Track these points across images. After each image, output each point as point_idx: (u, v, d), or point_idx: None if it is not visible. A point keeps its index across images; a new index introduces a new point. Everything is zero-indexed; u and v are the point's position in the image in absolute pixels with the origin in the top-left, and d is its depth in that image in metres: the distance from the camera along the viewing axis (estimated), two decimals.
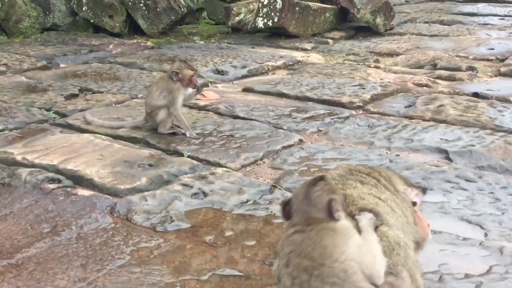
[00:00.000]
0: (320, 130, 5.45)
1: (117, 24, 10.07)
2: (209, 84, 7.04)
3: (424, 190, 2.82)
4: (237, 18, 10.39)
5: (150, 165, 4.55)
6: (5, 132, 5.35)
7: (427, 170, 4.45)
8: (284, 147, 5.02)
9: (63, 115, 5.86)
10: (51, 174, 4.35)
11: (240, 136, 5.21)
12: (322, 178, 2.41)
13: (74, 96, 6.58)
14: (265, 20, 9.77)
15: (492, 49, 8.45)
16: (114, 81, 7.12)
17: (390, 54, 8.62)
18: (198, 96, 6.20)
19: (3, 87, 6.82)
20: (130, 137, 5.22)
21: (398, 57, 8.37)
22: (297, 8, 9.77)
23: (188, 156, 4.80)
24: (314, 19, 10.03)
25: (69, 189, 4.15)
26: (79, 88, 6.82)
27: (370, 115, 5.84)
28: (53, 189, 4.13)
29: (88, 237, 3.59)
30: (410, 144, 5.01)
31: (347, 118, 5.72)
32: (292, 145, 5.08)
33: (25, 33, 10.11)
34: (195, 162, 4.63)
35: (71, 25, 10.53)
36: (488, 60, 8.10)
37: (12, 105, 6.08)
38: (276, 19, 9.68)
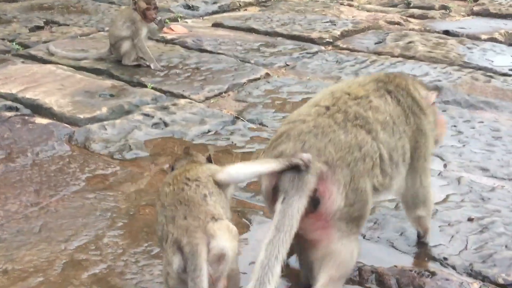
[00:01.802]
0: (288, 65, 5.37)
1: None
2: (179, 19, 6.90)
3: (438, 89, 2.80)
4: None
5: (112, 96, 4.47)
6: None
7: None
8: (250, 81, 4.95)
9: (26, 46, 5.72)
10: (9, 103, 4.26)
11: (206, 69, 5.13)
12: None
13: (39, 28, 6.42)
14: None
15: None
16: (81, 14, 6.95)
17: None
18: (165, 30, 6.09)
19: None
20: (93, 68, 5.11)
21: None
22: None
23: (152, 88, 4.72)
24: None
25: (27, 117, 4.07)
26: (44, 20, 6.65)
27: (339, 51, 5.77)
28: (10, 117, 4.04)
29: (44, 164, 3.53)
30: None
31: (315, 53, 5.65)
32: (258, 78, 5.01)
33: None
34: (158, 93, 4.56)
35: None
36: None
37: None
38: None
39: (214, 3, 7.61)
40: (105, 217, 3.04)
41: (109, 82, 4.71)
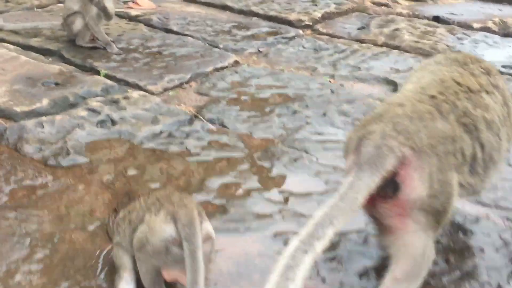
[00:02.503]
0: (260, 51, 4.89)
1: None
2: None
3: None
4: None
5: (57, 84, 3.98)
6: None
7: (370, 105, 3.96)
8: (216, 69, 4.47)
9: None
10: None
11: (169, 54, 4.64)
12: None
13: None
14: None
15: None
16: None
17: None
18: (131, 4, 5.57)
19: None
20: (43, 48, 4.61)
21: None
22: None
23: (105, 75, 4.23)
24: None
25: None
26: None
27: (318, 36, 5.29)
28: None
29: None
30: (357, 73, 4.49)
31: (292, 38, 5.16)
32: (226, 67, 4.53)
33: None
34: (109, 82, 4.07)
35: None
36: None
37: None
38: None
39: None
40: (23, 244, 2.58)
41: (56, 67, 4.21)
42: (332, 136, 3.54)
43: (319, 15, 5.67)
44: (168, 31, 5.15)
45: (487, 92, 2.34)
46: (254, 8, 5.77)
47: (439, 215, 2.10)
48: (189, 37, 5.00)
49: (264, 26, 5.37)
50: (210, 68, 4.45)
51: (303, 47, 4.97)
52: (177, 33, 5.10)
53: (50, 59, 4.46)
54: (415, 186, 2.03)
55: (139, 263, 2.19)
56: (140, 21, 5.32)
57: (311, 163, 3.26)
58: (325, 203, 1.96)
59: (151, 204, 2.20)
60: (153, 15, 5.41)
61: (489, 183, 2.38)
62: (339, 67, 4.58)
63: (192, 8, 5.81)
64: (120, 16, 5.40)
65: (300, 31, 5.34)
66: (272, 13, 5.67)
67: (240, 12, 5.76)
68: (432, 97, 2.22)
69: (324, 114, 3.80)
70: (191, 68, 4.41)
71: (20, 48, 4.55)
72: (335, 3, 6.02)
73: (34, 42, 4.68)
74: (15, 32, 4.81)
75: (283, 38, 5.14)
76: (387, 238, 2.14)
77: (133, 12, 5.46)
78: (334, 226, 1.89)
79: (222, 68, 4.50)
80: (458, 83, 2.31)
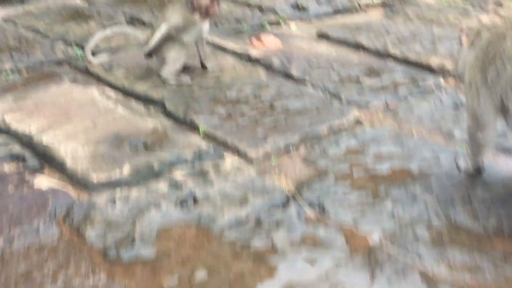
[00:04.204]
0: (388, 106, 4.20)
1: None
2: (281, 22, 5.87)
3: None
4: None
5: (145, 146, 3.56)
6: (9, 73, 4.51)
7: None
8: (332, 129, 3.86)
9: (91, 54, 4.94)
10: (18, 148, 3.47)
11: (281, 106, 4.09)
12: None
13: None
14: None
15: None
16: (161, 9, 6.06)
17: None
18: (254, 43, 5.08)
19: (46, 11, 5.99)
20: (146, 96, 4.23)
21: None
22: None
23: (204, 133, 3.76)
24: None
25: (27, 176, 3.25)
26: (130, 17, 5.85)
27: (462, 87, 4.48)
28: (8, 174, 3.24)
29: (12, 259, 2.69)
30: (505, 142, 3.68)
31: (429, 90, 4.42)
32: (344, 126, 3.89)
33: None
34: (204, 145, 3.58)
35: None
36: None
37: (38, 36, 5.22)
38: None
39: (328, 2, 6.47)
40: None
41: (151, 124, 3.80)
42: None
43: None
44: (287, 76, 4.60)
45: None
46: (392, 49, 5.07)
47: None
48: (308, 86, 4.42)
49: (399, 72, 4.66)
50: (324, 128, 3.85)
51: (441, 102, 4.22)
52: (296, 80, 4.53)
53: (150, 110, 4.06)
54: None
55: None
56: (260, 63, 4.81)
57: (427, 280, 2.56)
58: None
59: None
60: (275, 56, 4.89)
61: None
62: None
63: (322, 47, 5.22)
64: (239, 56, 4.93)
65: (441, 81, 4.57)
66: (411, 55, 4.94)
67: (375, 52, 5.09)
68: None
69: (453, 204, 3.07)
70: (303, 127, 3.83)
71: (122, 95, 4.20)
72: None
73: (139, 87, 4.32)
74: (125, 72, 4.48)
75: (418, 88, 4.41)
76: None
77: (254, 52, 4.96)
78: None
79: (339, 128, 3.87)
80: None
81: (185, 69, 4.49)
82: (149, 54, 4.32)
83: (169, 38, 4.25)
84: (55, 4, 6.26)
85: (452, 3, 6.82)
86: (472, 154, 3.30)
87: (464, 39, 3.26)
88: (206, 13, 4.20)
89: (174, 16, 4.25)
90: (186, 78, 4.32)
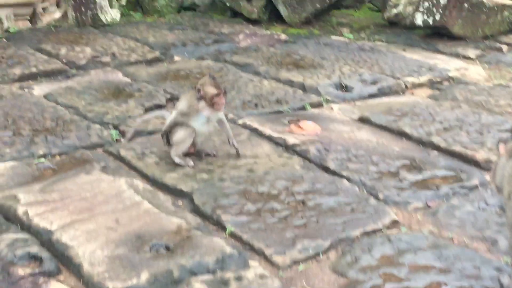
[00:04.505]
0: (429, 207, 3.97)
1: (255, 9, 8.92)
2: (324, 103, 5.73)
3: None
4: (394, 11, 8.74)
5: (168, 248, 3.41)
6: (42, 159, 4.46)
7: None
8: (366, 233, 3.65)
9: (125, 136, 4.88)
10: (35, 249, 3.35)
11: (314, 205, 3.90)
12: None
13: (159, 108, 5.54)
14: (425, 17, 8.10)
15: None
16: None
17: None
18: (292, 128, 4.94)
19: (88, 87, 5.99)
20: (176, 188, 4.10)
21: None
22: (465, 5, 7.98)
23: (230, 234, 3.60)
24: (488, 19, 8.17)
25: (41, 279, 3.13)
26: (170, 96, 5.80)
27: None
28: (22, 277, 3.12)
29: None
30: None
31: (473, 188, 4.17)
32: (379, 230, 3.68)
33: (160, 12, 9.40)
34: (229, 249, 3.40)
35: (210, 7, 9.58)
36: None
37: (76, 117, 5.19)
38: (438, 17, 7.98)
39: (374, 82, 6.30)
40: None
41: (176, 222, 3.65)
42: None
43: None
44: (324, 168, 4.42)
45: None
46: (436, 138, 4.85)
47: None
48: (344, 180, 4.22)
49: (442, 167, 4.42)
50: (358, 232, 3.64)
51: (486, 204, 3.96)
52: (332, 172, 4.35)
53: (179, 204, 3.93)
54: None
55: None
56: (296, 152, 4.65)
57: None
58: None
59: None
60: (313, 145, 4.72)
61: None
62: None
63: (363, 133, 5.03)
64: (276, 143, 4.79)
65: (487, 177, 4.31)
66: (457, 147, 4.70)
67: (418, 141, 4.87)
68: None
69: None
70: (334, 230, 3.63)
71: (150, 186, 4.09)
72: None
73: (169, 178, 4.20)
74: (158, 159, 4.39)
75: (461, 187, 4.17)
76: None
77: (291, 140, 4.80)
78: None
79: (374, 232, 3.66)
80: None
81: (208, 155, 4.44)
82: (165, 138, 4.40)
83: (178, 123, 4.34)
84: (98, 79, 6.27)
85: (502, 80, 6.57)
86: None
87: (502, 148, 3.04)
88: (211, 103, 4.23)
89: (182, 103, 4.38)
90: (189, 161, 4.34)
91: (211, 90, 4.25)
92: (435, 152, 4.69)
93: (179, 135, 4.34)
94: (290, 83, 6.25)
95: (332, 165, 4.43)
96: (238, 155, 4.45)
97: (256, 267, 3.29)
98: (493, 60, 7.36)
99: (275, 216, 3.77)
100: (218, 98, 4.26)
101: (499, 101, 5.79)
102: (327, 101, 5.85)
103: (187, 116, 4.32)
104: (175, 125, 4.36)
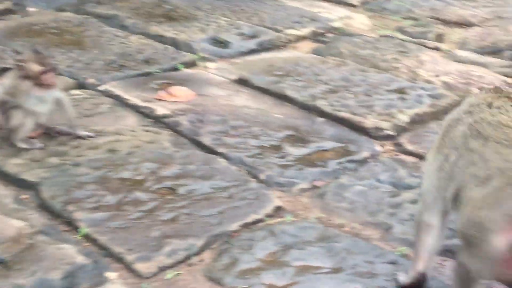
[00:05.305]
0: (316, 187, 3.51)
1: None
2: (197, 62, 5.13)
3: None
4: None
5: (2, 263, 2.76)
6: None
7: None
8: (246, 226, 3.14)
9: None
10: None
11: (185, 193, 3.35)
12: None
13: (6, 71, 4.73)
14: None
15: None
16: (72, 49, 5.25)
17: (460, 24, 6.38)
18: (162, 94, 4.33)
19: None
20: (19, 178, 3.44)
21: (469, 31, 6.15)
22: None
23: (84, 236, 2.99)
24: None
25: None
26: (16, 54, 4.98)
27: (401, 157, 3.84)
28: None
29: None
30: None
31: (363, 162, 3.75)
32: (261, 220, 3.19)
33: None
34: (80, 259, 2.80)
35: None
36: None
37: None
38: None
39: (254, 36, 5.74)
40: None
41: (16, 226, 3.00)
42: None
43: (407, 118, 4.20)
44: (197, 144, 3.86)
45: None
46: (321, 102, 4.39)
47: None
48: (221, 159, 3.69)
49: (328, 138, 3.98)
50: (236, 224, 3.14)
51: (377, 182, 3.55)
52: (207, 149, 3.80)
53: (22, 199, 3.26)
54: None
55: None
56: (166, 125, 4.06)
57: None
58: None
59: None
60: (185, 115, 4.14)
61: None
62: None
63: (242, 99, 4.49)
64: (143, 114, 4.17)
65: (378, 147, 3.91)
66: (343, 113, 4.26)
67: (303, 106, 4.40)
68: None
69: None
70: (209, 224, 3.11)
71: None
72: (430, 96, 4.52)
73: (11, 165, 3.52)
74: None
75: (351, 162, 3.73)
76: None
77: (161, 110, 4.20)
78: None
79: (255, 223, 3.17)
80: None
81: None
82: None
83: (8, 104, 3.66)
84: None
85: (387, 30, 6.19)
86: (415, 254, 2.65)
87: None
88: (38, 82, 3.58)
89: (5, 82, 3.73)
90: (35, 143, 3.70)
91: (35, 68, 3.58)
92: (321, 119, 4.22)
93: (15, 119, 3.65)
94: (161, 38, 5.59)
95: (207, 141, 3.87)
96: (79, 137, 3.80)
97: (114, 281, 2.72)
98: (377, 7, 6.97)
99: (139, 210, 3.20)
100: (46, 76, 3.58)
101: (386, 55, 5.39)
102: (203, 59, 5.25)
103: (16, 97, 3.62)
104: (3, 105, 3.64)
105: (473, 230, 2.19)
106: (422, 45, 5.72)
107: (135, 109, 4.24)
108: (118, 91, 4.46)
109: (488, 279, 2.38)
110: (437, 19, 6.54)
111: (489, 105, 2.39)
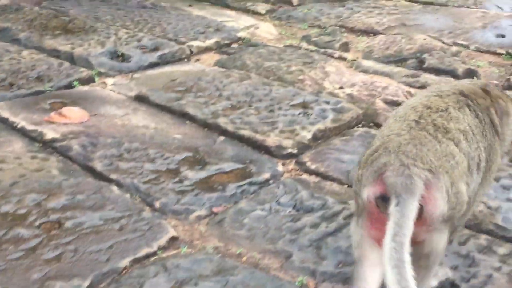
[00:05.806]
0: (214, 214, 3.34)
1: None
2: (95, 78, 4.88)
3: None
4: None
5: None
6: None
7: None
8: (137, 261, 2.94)
9: None
10: None
11: (73, 227, 3.12)
12: None
13: None
14: None
15: (503, 36, 6.20)
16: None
17: (366, 32, 6.38)
18: (52, 116, 4.07)
19: None
20: None
21: (375, 39, 6.13)
22: None
23: None
24: None
25: None
26: None
27: (303, 176, 3.72)
28: None
29: None
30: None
31: (264, 184, 3.61)
32: (154, 254, 2.99)
33: None
34: None
35: None
36: (495, 54, 5.87)
37: None
38: None
39: (155, 49, 5.54)
40: None
41: None
42: None
43: (309, 135, 4.09)
44: (89, 170, 3.62)
45: (455, 109, 2.49)
46: (223, 120, 4.22)
47: (458, 219, 2.39)
48: (113, 186, 3.47)
49: (229, 158, 3.81)
50: (126, 260, 2.93)
51: (279, 205, 3.41)
52: (99, 176, 3.57)
53: None
54: (438, 205, 2.22)
55: None
56: (55, 150, 3.81)
57: None
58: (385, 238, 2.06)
59: None
60: (77, 138, 3.90)
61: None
62: (326, 252, 3.01)
63: (139, 118, 4.28)
64: (30, 138, 3.90)
65: (279, 167, 3.78)
66: (245, 130, 4.11)
67: (204, 124, 4.22)
68: (416, 122, 2.39)
69: None
70: (97, 262, 2.89)
71: None
72: (334, 110, 4.43)
73: None
74: None
75: (251, 185, 3.58)
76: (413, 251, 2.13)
77: (50, 133, 3.94)
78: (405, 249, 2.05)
79: (148, 257, 2.97)
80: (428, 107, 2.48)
81: None
82: None
83: None
84: None
85: (293, 39, 6.11)
86: None
87: None
88: None
89: None
90: None
91: None
92: (221, 138, 4.06)
93: None
94: (56, 53, 5.32)
95: (99, 166, 3.64)
96: None
97: None
98: (283, 15, 6.90)
99: (20, 249, 2.94)
100: None
101: (291, 67, 5.28)
102: (100, 74, 5.02)
103: None
104: None
105: (355, 187, 2.38)
106: (327, 55, 5.65)
107: (22, 132, 3.97)
108: (4, 113, 4.17)
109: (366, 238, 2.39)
110: (343, 26, 6.51)
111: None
